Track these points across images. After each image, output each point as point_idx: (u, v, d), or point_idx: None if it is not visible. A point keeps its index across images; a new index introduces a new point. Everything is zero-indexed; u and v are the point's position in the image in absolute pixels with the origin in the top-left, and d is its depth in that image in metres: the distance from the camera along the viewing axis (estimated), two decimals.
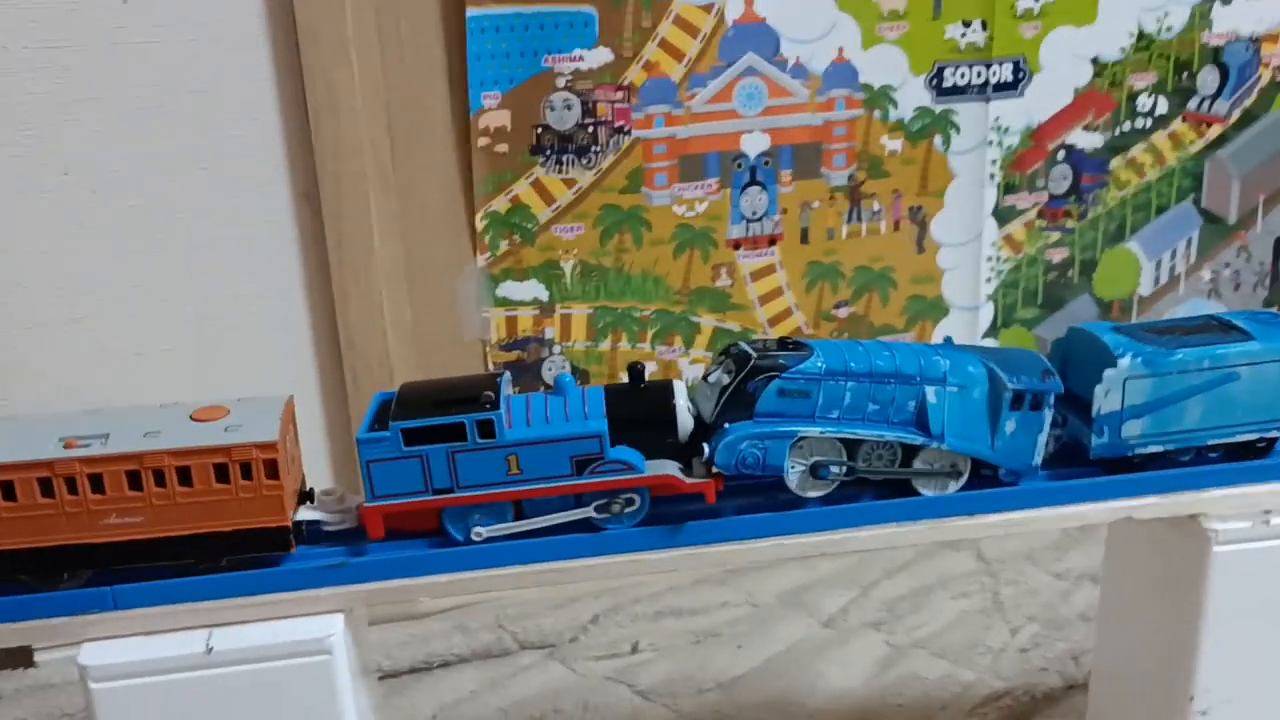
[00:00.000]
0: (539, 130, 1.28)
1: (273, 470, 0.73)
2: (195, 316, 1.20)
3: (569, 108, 1.28)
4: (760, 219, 1.37)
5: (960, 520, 0.82)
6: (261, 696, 0.74)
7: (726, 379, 0.78)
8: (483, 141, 1.26)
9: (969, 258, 1.46)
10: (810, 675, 1.21)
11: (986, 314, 1.49)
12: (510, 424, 0.76)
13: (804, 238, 1.40)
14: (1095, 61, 1.42)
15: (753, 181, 1.36)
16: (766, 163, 1.35)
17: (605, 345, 1.37)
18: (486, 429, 0.75)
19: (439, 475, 0.75)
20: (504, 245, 1.31)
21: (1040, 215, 1.47)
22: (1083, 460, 0.84)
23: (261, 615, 0.75)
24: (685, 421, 0.79)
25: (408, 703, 1.19)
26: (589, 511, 0.77)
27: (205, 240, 1.18)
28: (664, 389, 0.79)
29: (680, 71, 1.30)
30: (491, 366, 1.34)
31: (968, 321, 1.48)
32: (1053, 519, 0.83)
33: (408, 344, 1.28)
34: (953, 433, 0.80)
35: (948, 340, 0.87)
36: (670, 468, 0.78)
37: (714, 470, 0.78)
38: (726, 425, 0.77)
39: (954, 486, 0.81)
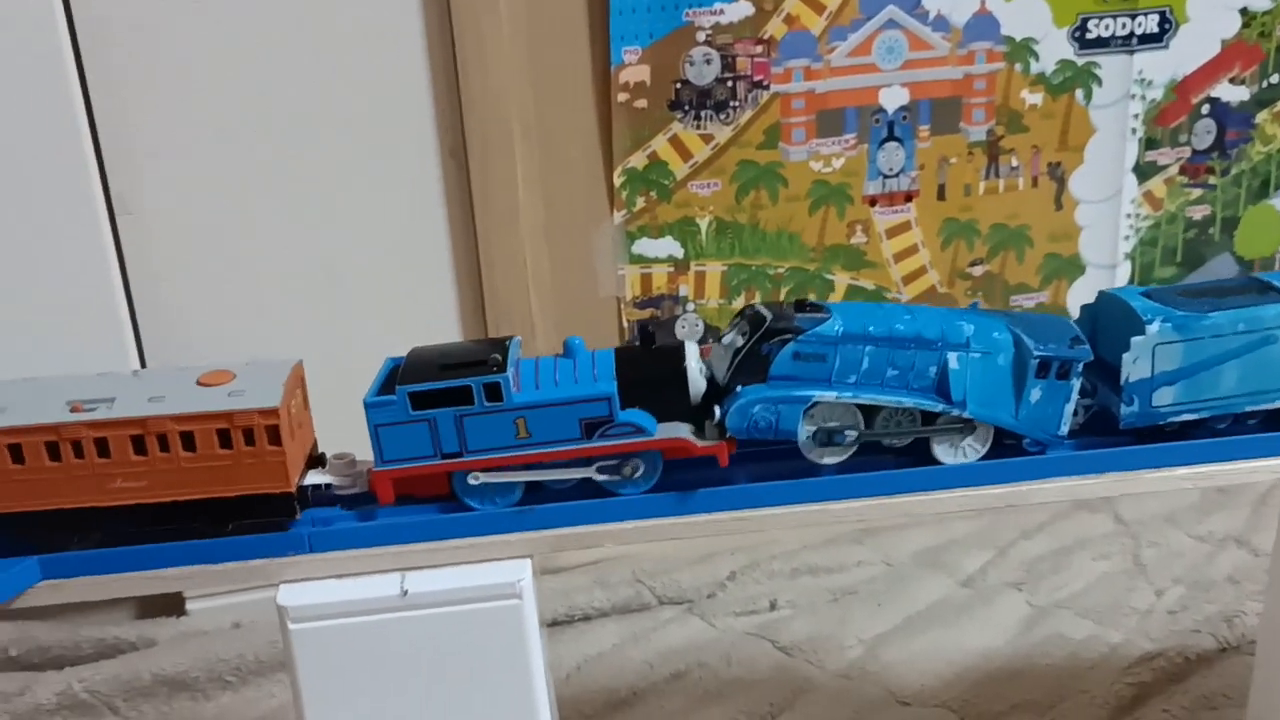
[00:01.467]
0: (678, 85, 1.27)
1: (275, 436, 0.72)
2: (343, 272, 1.21)
3: (708, 62, 1.27)
4: (897, 175, 1.36)
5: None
6: (453, 639, 0.75)
7: (740, 341, 0.76)
8: (622, 97, 1.26)
9: (1107, 215, 1.43)
10: (954, 634, 1.20)
11: (1124, 272, 1.46)
12: (518, 387, 0.74)
13: (940, 194, 1.38)
14: (1244, 11, 1.37)
15: (890, 137, 1.34)
16: (905, 118, 1.34)
17: (739, 303, 1.36)
18: (494, 392, 0.73)
19: (447, 439, 0.74)
20: (640, 202, 1.31)
21: (1182, 171, 1.43)
22: (1114, 430, 0.80)
23: (451, 559, 0.76)
24: (697, 383, 0.76)
25: (552, 655, 1.20)
26: (597, 473, 0.76)
27: (356, 194, 1.19)
28: (675, 351, 0.77)
29: (820, 25, 1.28)
30: (626, 324, 1.34)
31: (1104, 280, 1.45)
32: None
33: (547, 300, 1.28)
34: (975, 400, 0.77)
35: (974, 305, 0.84)
36: (682, 430, 0.76)
37: (726, 434, 0.76)
38: (739, 388, 0.75)
39: (974, 455, 0.78)
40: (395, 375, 0.75)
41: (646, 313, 1.35)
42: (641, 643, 1.21)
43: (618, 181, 1.29)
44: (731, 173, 1.31)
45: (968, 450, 0.78)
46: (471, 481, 0.75)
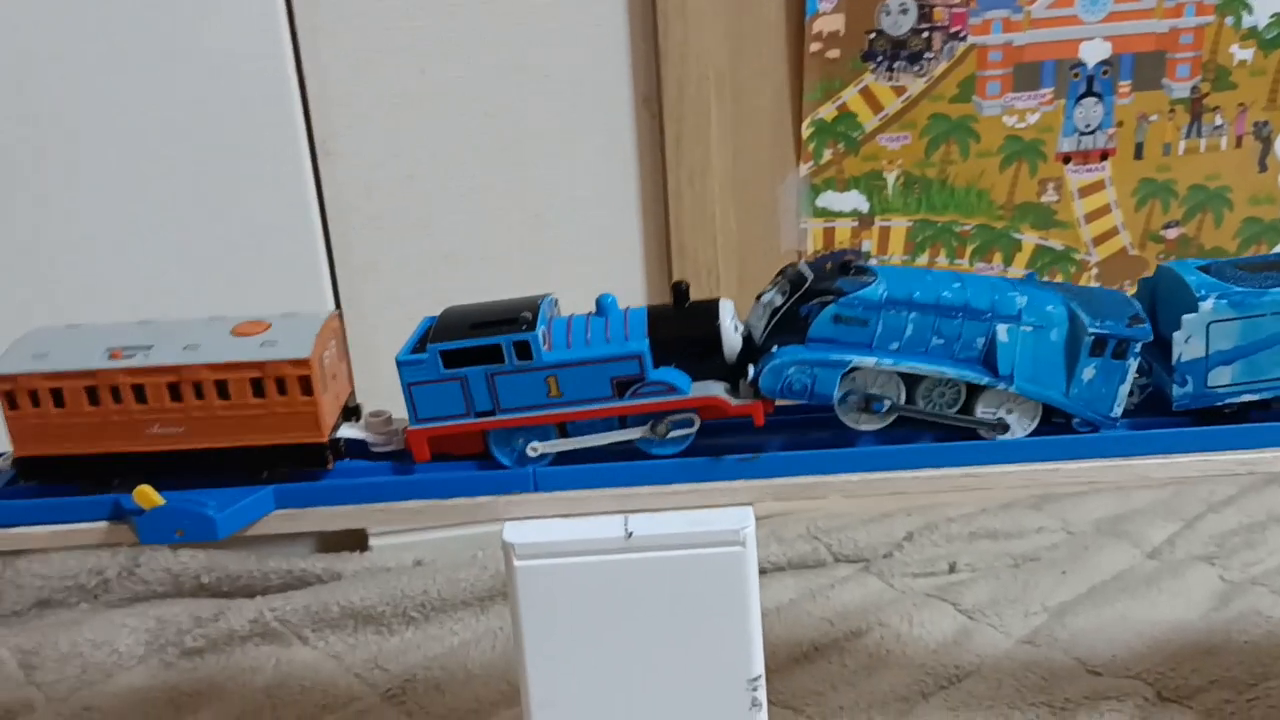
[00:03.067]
0: (872, 36, 1.24)
1: (307, 386, 0.72)
2: (532, 220, 1.22)
3: (905, 12, 1.24)
4: (1093, 132, 1.31)
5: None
6: (674, 583, 0.75)
7: (779, 300, 0.73)
8: (815, 47, 1.24)
9: None
10: (1143, 605, 1.16)
11: None
12: (550, 345, 0.73)
13: (1138, 153, 1.32)
14: None
15: (1089, 92, 1.29)
16: (1105, 72, 1.29)
17: (923, 260, 1.34)
18: (524, 350, 0.72)
19: (480, 398, 0.73)
20: (827, 154, 1.28)
21: None
22: (1170, 411, 0.76)
23: (674, 504, 0.76)
24: (732, 341, 0.74)
25: None
26: (636, 432, 0.74)
27: (545, 146, 1.20)
28: (709, 308, 0.74)
29: None
30: None
31: None
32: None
33: (731, 252, 1.27)
34: (1023, 375, 0.73)
35: (1030, 276, 0.80)
36: (716, 389, 0.74)
37: (760, 394, 0.73)
38: (775, 348, 0.73)
39: (1020, 432, 0.75)
40: (429, 334, 0.74)
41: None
42: (820, 599, 1.20)
43: (805, 133, 1.27)
44: (922, 126, 1.28)
45: (1014, 427, 0.75)
46: (530, 453, 0.75)
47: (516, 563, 0.76)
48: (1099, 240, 1.36)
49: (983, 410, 0.74)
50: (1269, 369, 0.74)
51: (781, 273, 0.75)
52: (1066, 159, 1.32)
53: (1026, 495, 1.35)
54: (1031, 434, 0.75)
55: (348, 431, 0.78)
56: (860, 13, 1.23)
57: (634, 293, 1.26)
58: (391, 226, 1.20)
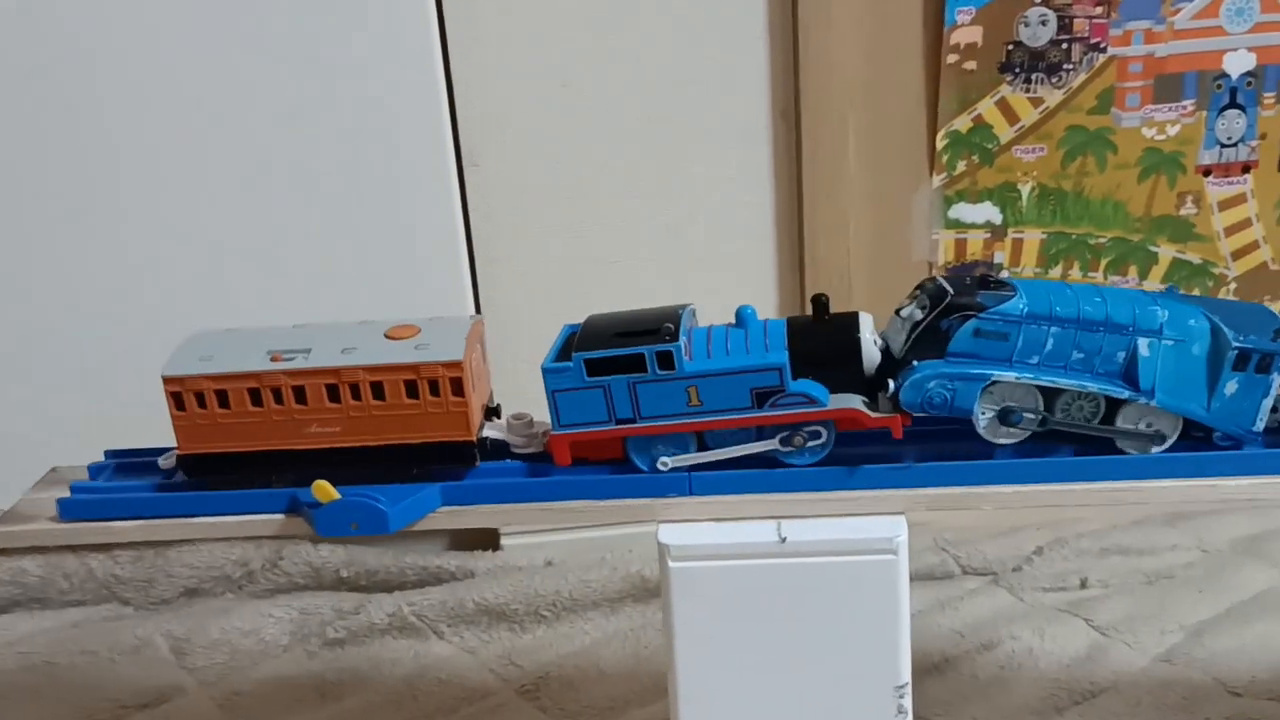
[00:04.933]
0: (1010, 47, 1.24)
1: (458, 388, 0.75)
2: (668, 228, 1.24)
3: (1044, 23, 1.23)
4: (1235, 144, 1.29)
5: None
6: (826, 589, 0.77)
7: (920, 314, 0.73)
8: (952, 58, 1.24)
9: None
10: None
11: None
12: (690, 356, 0.74)
13: None
14: None
15: (1232, 104, 1.27)
16: (1249, 84, 1.27)
17: (1055, 272, 1.33)
18: (666, 360, 0.73)
19: (621, 405, 0.75)
20: (961, 165, 1.29)
21: None
22: None
23: (826, 511, 0.78)
24: (871, 355, 0.74)
25: None
26: (771, 444, 0.75)
27: (683, 157, 1.22)
28: (849, 321, 0.75)
29: None
30: None
31: None
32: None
33: (862, 263, 1.28)
34: (1164, 389, 0.72)
35: (1171, 289, 0.78)
36: (854, 402, 0.74)
37: (900, 407, 0.73)
38: (915, 362, 0.73)
39: (1159, 447, 0.74)
40: (572, 342, 0.76)
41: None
42: (949, 610, 1.20)
43: (940, 144, 1.27)
44: (1059, 138, 1.28)
45: (1153, 443, 0.74)
46: (661, 467, 0.76)
47: (671, 564, 0.78)
48: (1238, 254, 1.33)
49: (1124, 424, 0.74)
50: None
51: (920, 287, 0.76)
52: (1207, 171, 1.30)
53: (1160, 511, 1.33)
54: (1170, 449, 0.75)
55: (490, 432, 0.81)
56: (999, 24, 1.23)
57: (767, 302, 1.27)
58: (532, 235, 1.24)
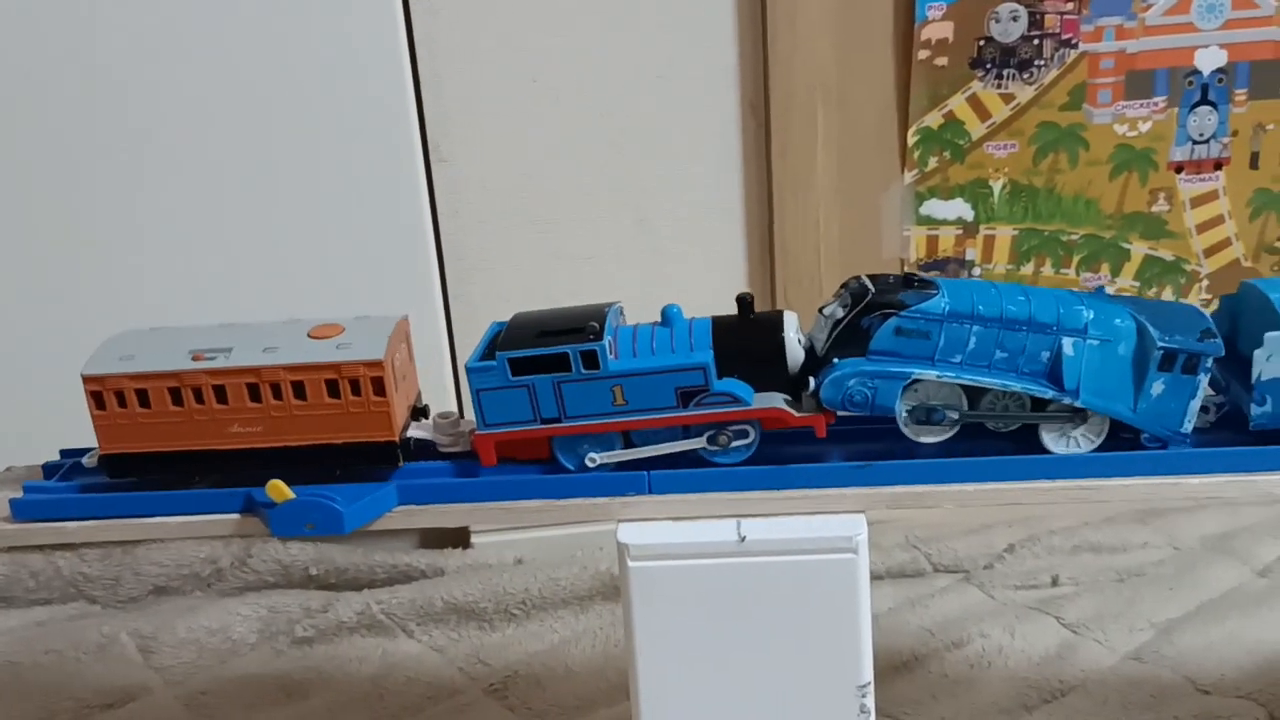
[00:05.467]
0: (981, 43, 1.24)
1: (380, 387, 0.74)
2: (639, 223, 1.23)
3: (1015, 19, 1.23)
4: (1207, 141, 1.29)
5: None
6: (786, 588, 0.76)
7: (841, 312, 0.74)
8: (923, 54, 1.23)
9: None
10: (1254, 624, 1.14)
11: None
12: (616, 355, 0.74)
13: (1253, 162, 1.30)
14: None
15: (1203, 100, 1.27)
16: (1220, 80, 1.27)
17: (1028, 269, 1.33)
18: (591, 360, 0.73)
19: (546, 405, 0.74)
20: (933, 162, 1.28)
21: None
22: (1246, 430, 0.74)
23: (785, 509, 0.77)
24: (795, 354, 0.75)
25: None
26: (698, 442, 0.75)
27: (654, 149, 1.21)
28: (773, 320, 0.75)
29: None
30: None
31: None
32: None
33: (833, 259, 1.28)
34: (1089, 389, 0.72)
35: (1100, 290, 0.78)
36: (778, 401, 0.74)
37: (822, 406, 0.74)
38: (836, 360, 0.73)
39: (1087, 447, 0.74)
40: (498, 340, 0.75)
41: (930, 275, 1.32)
42: (919, 608, 1.20)
43: (911, 140, 1.27)
44: (1030, 134, 1.27)
45: (1080, 441, 0.74)
46: (589, 464, 0.76)
47: (631, 564, 0.77)
48: (1210, 251, 1.33)
49: (1049, 423, 0.74)
50: None
51: (844, 285, 0.76)
52: (1179, 168, 1.30)
53: (1127, 509, 1.33)
54: (1098, 449, 0.74)
55: (416, 431, 0.80)
56: (970, 20, 1.22)
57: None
58: (501, 229, 1.23)
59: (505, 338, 0.75)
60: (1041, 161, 1.28)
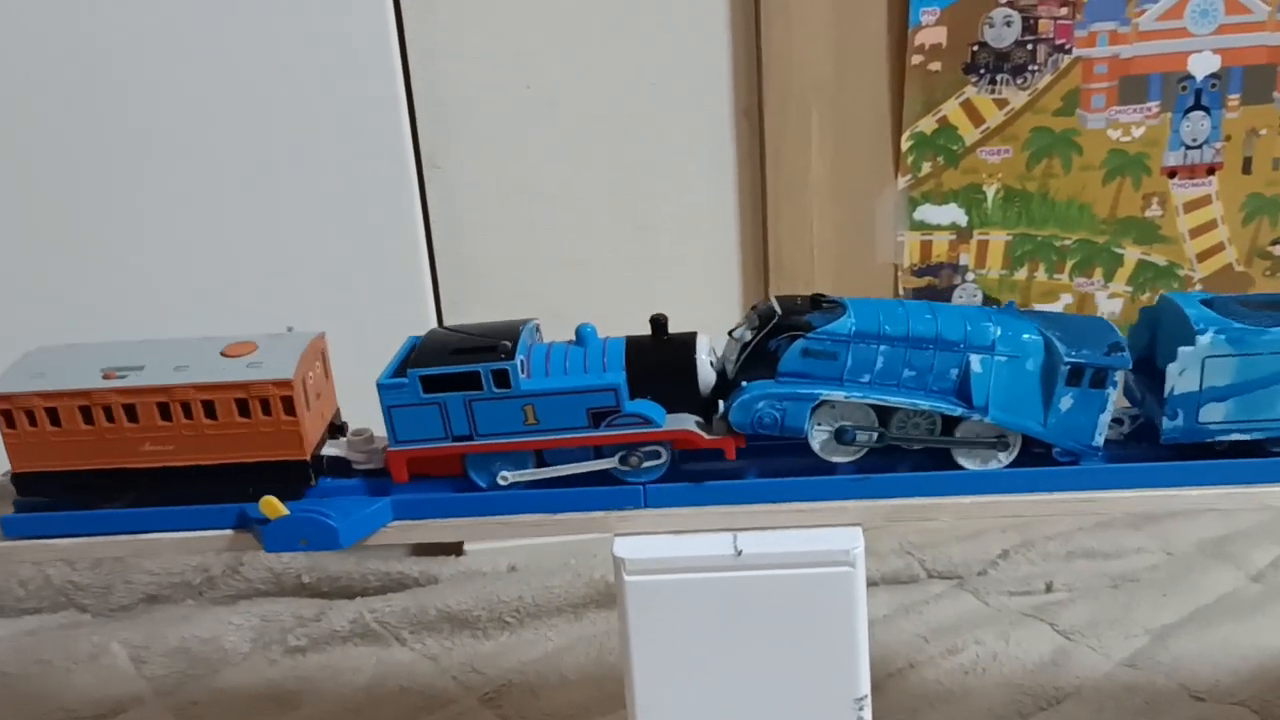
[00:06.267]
0: (975, 48, 1.24)
1: (290, 406, 0.74)
2: (635, 228, 1.23)
3: (1009, 24, 1.23)
4: (1200, 146, 1.29)
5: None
6: (783, 601, 0.76)
7: (750, 335, 0.74)
8: (916, 59, 1.23)
9: None
10: (1248, 630, 1.14)
11: None
12: (528, 374, 0.74)
13: (1246, 167, 1.30)
14: None
15: (1196, 106, 1.27)
16: (1214, 85, 1.26)
17: (1021, 274, 1.32)
18: (502, 379, 0.73)
19: (458, 423, 0.74)
20: (926, 167, 1.28)
21: None
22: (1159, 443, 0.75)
23: (782, 523, 0.77)
24: (706, 376, 0.75)
25: None
26: (610, 462, 0.75)
27: (648, 154, 1.21)
28: (685, 342, 0.75)
29: None
30: (902, 292, 1.32)
31: None
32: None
33: (827, 264, 1.27)
34: (998, 405, 0.73)
35: (1010, 305, 0.79)
36: (688, 423, 0.75)
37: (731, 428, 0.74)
38: (744, 383, 0.74)
39: (1000, 462, 0.74)
40: (410, 357, 0.75)
41: (924, 281, 1.32)
42: (914, 615, 1.20)
43: (905, 146, 1.26)
44: (1024, 139, 1.27)
45: (993, 458, 0.75)
46: (501, 482, 0.76)
47: (627, 578, 0.77)
48: (1203, 256, 1.33)
49: (961, 439, 0.74)
50: (1263, 409, 0.72)
51: (754, 307, 0.76)
52: (1172, 173, 1.29)
53: (1124, 515, 1.33)
54: (1011, 464, 0.75)
55: (330, 449, 0.79)
56: (963, 25, 1.22)
57: (731, 303, 1.26)
58: (495, 236, 1.22)
59: (418, 354, 0.75)
60: (1035, 167, 1.28)
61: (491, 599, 1.24)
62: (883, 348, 0.73)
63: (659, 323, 0.76)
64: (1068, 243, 1.31)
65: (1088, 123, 1.27)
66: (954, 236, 1.31)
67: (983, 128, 1.26)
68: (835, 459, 0.76)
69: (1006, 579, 1.25)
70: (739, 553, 0.76)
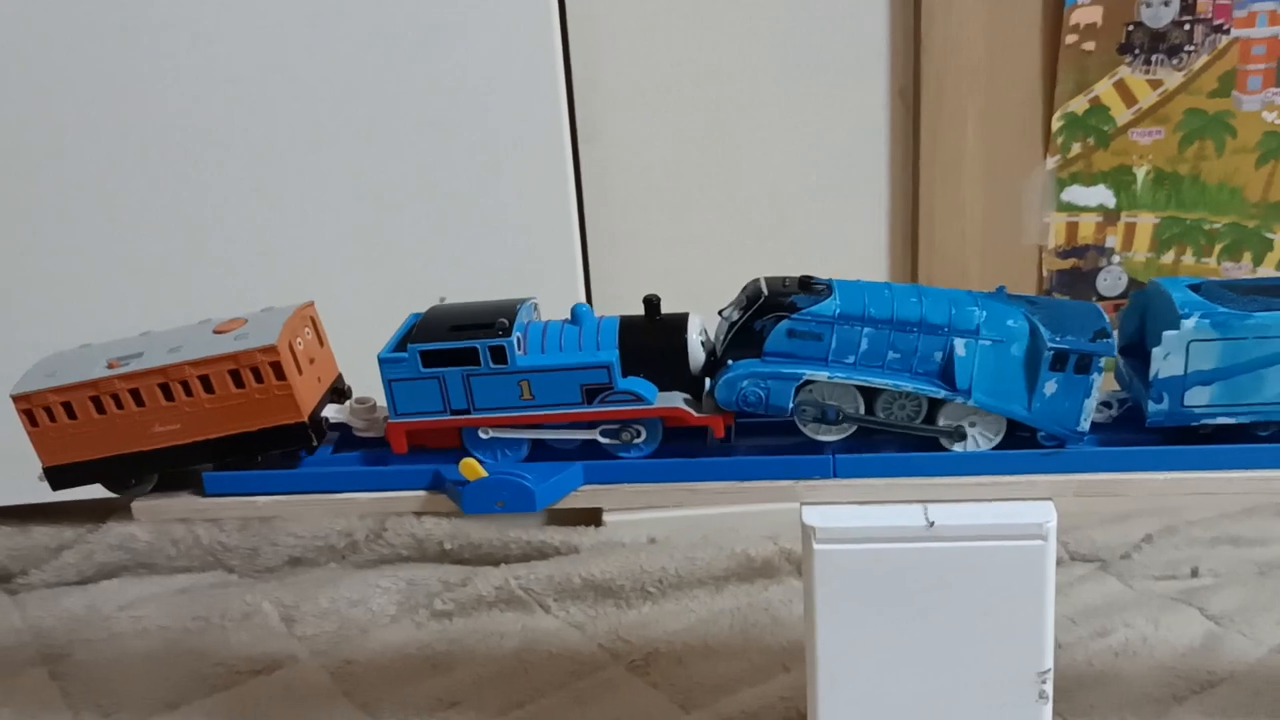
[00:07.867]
0: (1130, 28, 1.22)
1: (280, 372, 0.77)
2: (781, 207, 1.24)
3: (1166, 4, 1.21)
4: None
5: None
6: (973, 573, 0.76)
7: (737, 315, 0.76)
8: (1070, 39, 1.22)
9: None
10: None
11: None
12: (524, 350, 0.77)
13: None
14: None
15: None
16: None
17: (1168, 258, 1.31)
18: (499, 355, 0.76)
19: (456, 397, 0.77)
20: (1076, 148, 1.27)
21: None
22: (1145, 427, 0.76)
23: (972, 495, 0.77)
24: (697, 355, 0.77)
25: None
26: (600, 436, 0.78)
27: (798, 135, 1.21)
28: (678, 322, 0.77)
29: None
30: (1046, 274, 1.31)
31: None
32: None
33: (975, 246, 1.27)
34: (982, 389, 0.74)
35: (1000, 290, 0.78)
36: (678, 400, 0.77)
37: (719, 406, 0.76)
38: (730, 362, 0.75)
39: (986, 445, 0.76)
40: (412, 332, 0.78)
41: (1069, 263, 1.31)
42: (1059, 596, 1.18)
43: (1055, 126, 1.25)
44: (1176, 121, 1.25)
45: (978, 439, 0.76)
46: (482, 435, 0.78)
47: (816, 546, 0.78)
48: None
49: (944, 423, 0.76)
50: (1247, 393, 0.73)
51: (744, 288, 0.78)
52: None
53: (1269, 501, 1.32)
54: (997, 447, 0.77)
55: (331, 414, 0.83)
56: (1120, 4, 1.21)
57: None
58: (645, 212, 1.24)
59: (419, 330, 0.79)
60: (1187, 149, 1.26)
61: (635, 569, 1.25)
62: (867, 330, 0.75)
63: (651, 303, 0.80)
64: (1217, 226, 1.30)
65: (1243, 105, 1.25)
66: (1101, 218, 1.30)
67: (1135, 108, 1.25)
68: (820, 438, 0.78)
69: (1151, 563, 1.24)
70: (931, 524, 0.77)
